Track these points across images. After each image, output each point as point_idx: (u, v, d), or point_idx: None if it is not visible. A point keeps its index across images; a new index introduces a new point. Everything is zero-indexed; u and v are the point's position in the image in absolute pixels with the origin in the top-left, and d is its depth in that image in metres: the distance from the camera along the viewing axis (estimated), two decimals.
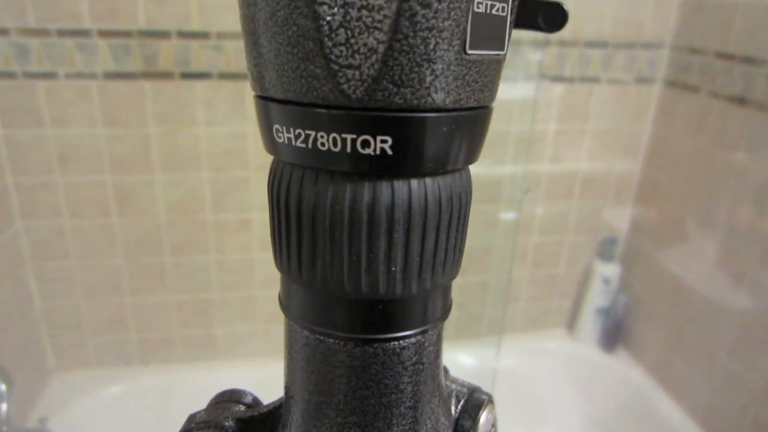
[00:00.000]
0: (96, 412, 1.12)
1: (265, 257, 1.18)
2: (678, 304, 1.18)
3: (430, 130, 0.16)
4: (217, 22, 0.99)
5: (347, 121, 0.16)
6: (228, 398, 0.25)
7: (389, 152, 0.16)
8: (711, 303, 1.10)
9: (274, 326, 1.25)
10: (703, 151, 1.12)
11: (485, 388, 0.26)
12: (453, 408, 0.25)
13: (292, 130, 0.17)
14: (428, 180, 0.17)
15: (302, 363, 0.20)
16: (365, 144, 0.16)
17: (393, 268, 0.18)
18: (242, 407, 0.25)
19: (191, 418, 0.24)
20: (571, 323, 1.41)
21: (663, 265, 1.22)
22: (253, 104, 0.19)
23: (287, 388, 0.22)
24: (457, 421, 0.24)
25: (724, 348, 1.06)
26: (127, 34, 0.96)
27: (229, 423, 0.23)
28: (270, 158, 0.19)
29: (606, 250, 1.33)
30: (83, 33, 0.95)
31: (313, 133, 0.16)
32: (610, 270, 1.32)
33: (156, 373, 1.21)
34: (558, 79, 1.17)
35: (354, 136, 0.16)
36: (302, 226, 0.18)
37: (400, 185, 0.17)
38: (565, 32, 1.13)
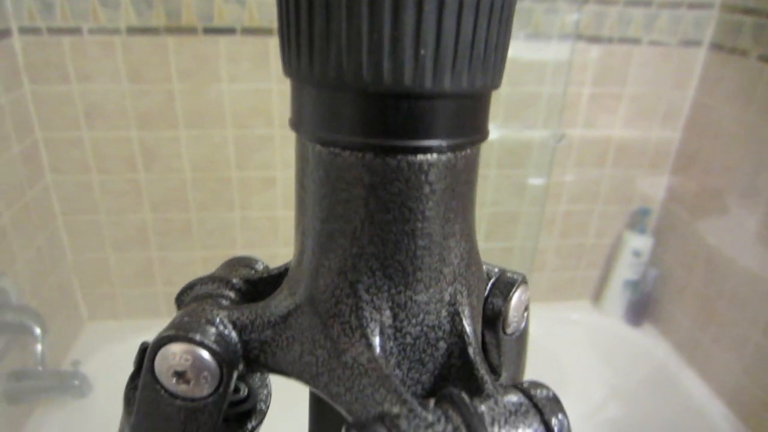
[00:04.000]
0: (125, 358, 1.16)
1: (289, 216, 1.18)
2: (712, 280, 1.14)
3: None
4: None
5: None
6: (238, 262, 0.24)
7: None
8: (748, 279, 1.06)
9: None
10: (749, 121, 1.05)
11: None
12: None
13: None
14: None
15: (314, 188, 0.18)
16: None
17: (422, 52, 0.15)
18: (252, 271, 0.24)
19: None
20: (597, 295, 1.38)
21: (699, 239, 1.17)
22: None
23: (298, 226, 0.19)
24: (486, 299, 0.22)
25: (759, 327, 1.02)
26: None
27: (237, 281, 0.22)
28: None
29: (638, 221, 1.29)
30: None
31: None
32: (642, 242, 1.28)
33: None
34: (595, 39, 1.10)
35: None
36: (314, 1, 0.15)
37: None
38: None
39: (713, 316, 1.13)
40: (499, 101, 1.12)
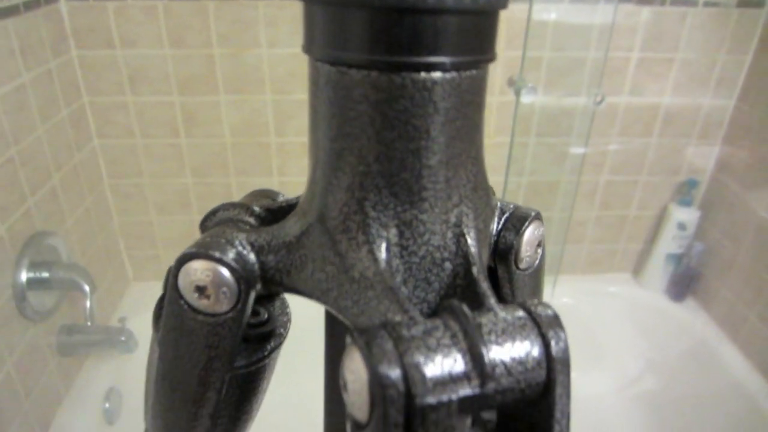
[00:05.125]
0: None
1: None
2: (762, 255, 1.09)
3: None
4: None
5: None
6: (260, 193, 0.25)
7: None
8: None
9: None
10: None
11: None
12: (496, 221, 0.23)
13: None
14: None
15: (324, 109, 0.18)
16: None
17: None
18: (272, 201, 0.25)
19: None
20: (638, 269, 1.35)
21: (749, 211, 1.12)
22: None
23: (311, 151, 0.20)
24: (499, 233, 0.23)
25: None
26: None
27: (258, 208, 0.23)
28: None
29: (684, 193, 1.24)
30: None
31: None
32: (687, 214, 1.23)
33: None
34: (645, 1, 1.05)
35: None
36: None
37: None
38: None
39: (761, 292, 1.09)
40: (541, 67, 1.09)
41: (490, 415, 0.18)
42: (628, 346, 1.32)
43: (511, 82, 1.02)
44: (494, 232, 0.23)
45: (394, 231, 0.18)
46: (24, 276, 0.84)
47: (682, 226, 1.24)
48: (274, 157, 1.15)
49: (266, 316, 0.24)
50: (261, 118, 1.10)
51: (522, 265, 0.23)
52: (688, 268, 1.26)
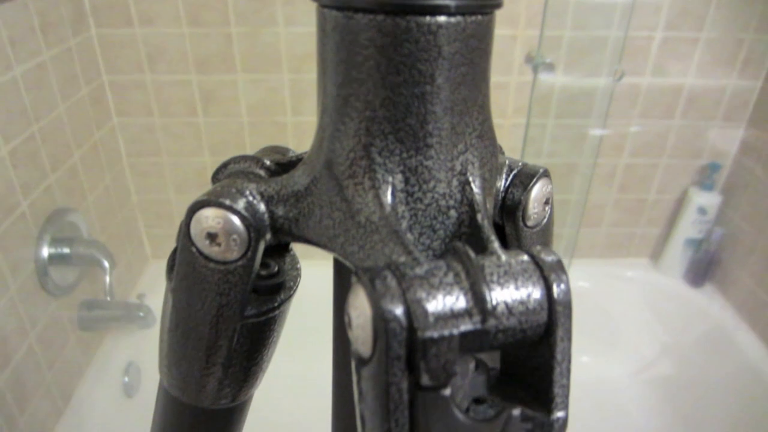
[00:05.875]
0: None
1: None
2: None
3: None
4: None
5: None
6: (272, 149, 0.26)
7: None
8: None
9: None
10: None
11: None
12: (504, 178, 0.23)
13: None
14: None
15: (331, 56, 0.19)
16: None
17: None
18: (283, 156, 0.25)
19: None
20: (656, 253, 1.33)
21: None
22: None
23: (319, 102, 0.21)
24: (507, 189, 0.23)
25: None
26: None
27: (268, 162, 0.24)
28: None
29: (706, 177, 1.22)
30: None
31: None
32: (708, 199, 1.21)
33: None
34: None
35: None
36: None
37: None
38: None
39: None
40: (560, 46, 1.07)
41: (493, 363, 0.18)
42: (644, 330, 1.31)
43: (529, 59, 1.01)
44: (502, 188, 0.23)
45: (399, 177, 0.19)
46: (46, 251, 0.86)
47: (702, 211, 1.22)
48: (291, 136, 1.15)
49: (276, 269, 0.24)
50: (278, 97, 1.10)
51: (530, 223, 0.23)
52: (707, 254, 1.24)
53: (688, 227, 1.24)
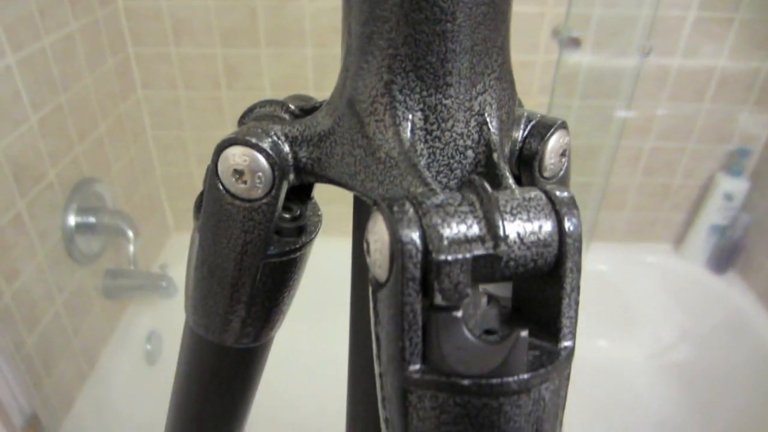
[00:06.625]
0: None
1: None
2: None
3: None
4: None
5: None
6: (296, 96, 0.27)
7: None
8: None
9: None
10: None
11: None
12: (522, 128, 0.23)
13: None
14: None
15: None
16: None
17: None
18: (308, 102, 0.26)
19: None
20: (680, 239, 1.31)
21: None
22: None
23: (343, 43, 0.21)
24: (524, 140, 0.23)
25: None
26: None
27: (293, 106, 0.25)
28: None
29: (735, 162, 1.19)
30: None
31: None
32: (736, 185, 1.19)
33: None
34: None
35: None
36: None
37: None
38: None
39: None
40: (589, 24, 1.05)
41: (505, 302, 0.19)
42: (662, 315, 1.30)
43: (555, 33, 0.99)
44: (520, 139, 0.23)
45: (419, 115, 0.19)
46: (72, 220, 0.88)
47: (728, 197, 1.19)
48: None
49: (299, 212, 0.25)
50: (301, 71, 1.10)
51: (546, 174, 0.24)
52: (731, 241, 1.22)
53: (714, 213, 1.22)
